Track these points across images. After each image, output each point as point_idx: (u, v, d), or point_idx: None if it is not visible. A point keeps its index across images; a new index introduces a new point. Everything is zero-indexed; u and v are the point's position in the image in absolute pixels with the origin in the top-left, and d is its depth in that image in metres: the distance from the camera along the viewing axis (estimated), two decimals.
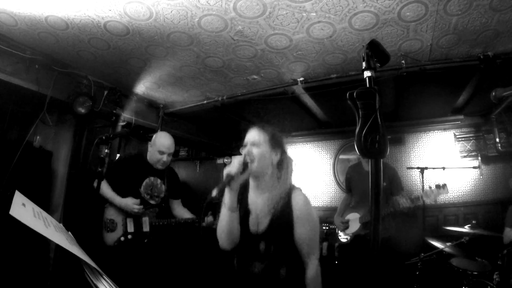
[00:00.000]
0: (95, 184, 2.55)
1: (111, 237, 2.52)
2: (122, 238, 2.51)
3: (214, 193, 1.27)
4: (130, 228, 2.54)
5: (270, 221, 1.45)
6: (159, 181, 2.73)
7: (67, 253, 0.99)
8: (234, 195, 1.41)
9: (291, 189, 1.51)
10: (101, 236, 2.58)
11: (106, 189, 2.58)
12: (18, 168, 2.69)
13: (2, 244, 2.44)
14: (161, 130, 4.04)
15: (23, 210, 1.04)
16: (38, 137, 3.09)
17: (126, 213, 2.56)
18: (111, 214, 2.57)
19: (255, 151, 1.46)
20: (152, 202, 2.68)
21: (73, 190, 3.22)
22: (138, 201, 2.55)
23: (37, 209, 1.16)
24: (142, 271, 2.50)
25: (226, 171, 1.35)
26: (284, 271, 1.44)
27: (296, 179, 1.58)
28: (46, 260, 2.90)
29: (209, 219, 2.57)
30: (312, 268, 1.43)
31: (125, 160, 2.86)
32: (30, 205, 1.13)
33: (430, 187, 2.87)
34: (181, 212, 2.82)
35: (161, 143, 2.66)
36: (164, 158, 2.65)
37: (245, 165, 1.39)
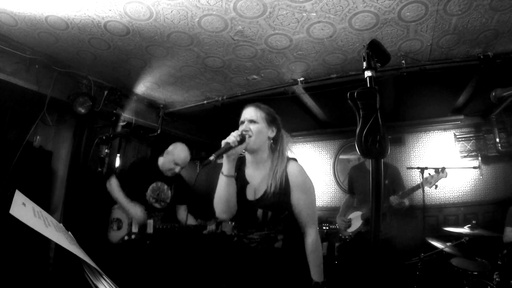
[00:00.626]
0: (108, 184, 2.65)
1: (116, 236, 2.60)
2: (126, 237, 2.56)
3: (212, 157, 1.30)
4: (135, 228, 2.58)
5: (266, 189, 1.52)
6: (166, 186, 2.78)
7: (67, 253, 0.99)
8: (232, 163, 1.47)
9: (287, 161, 1.58)
10: (106, 233, 2.65)
11: (116, 189, 2.63)
12: (18, 168, 2.69)
13: (2, 243, 2.44)
14: (161, 130, 4.05)
15: (23, 209, 1.04)
16: (38, 137, 3.10)
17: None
18: (118, 213, 2.64)
19: (253, 127, 1.53)
20: (157, 206, 2.72)
21: (73, 190, 3.22)
22: (143, 209, 2.57)
23: (37, 208, 1.16)
24: (142, 271, 2.54)
25: (224, 141, 1.40)
26: (281, 242, 1.50)
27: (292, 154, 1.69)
28: (46, 260, 2.90)
29: (211, 227, 2.63)
30: (311, 236, 1.50)
31: (138, 163, 2.92)
32: (30, 204, 1.13)
33: (429, 174, 2.97)
34: (185, 217, 2.85)
35: (178, 155, 2.74)
36: (177, 169, 2.73)
37: (242, 138, 1.45)
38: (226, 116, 4.17)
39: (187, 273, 2.96)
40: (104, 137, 3.35)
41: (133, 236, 2.57)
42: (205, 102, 3.69)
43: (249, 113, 1.59)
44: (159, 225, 2.66)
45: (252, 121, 1.56)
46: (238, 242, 1.58)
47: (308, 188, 1.55)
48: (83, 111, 2.99)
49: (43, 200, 2.95)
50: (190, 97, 3.71)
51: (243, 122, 1.58)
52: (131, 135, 3.99)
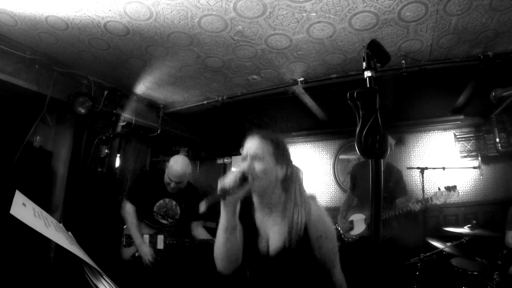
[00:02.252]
0: (123, 211, 2.60)
1: (127, 252, 2.60)
2: (137, 254, 2.53)
3: (202, 209, 1.09)
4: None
5: (285, 244, 1.25)
6: (174, 202, 2.70)
7: (67, 253, 0.99)
8: (231, 212, 1.19)
9: (306, 200, 1.30)
10: (119, 250, 2.64)
11: (130, 215, 2.57)
12: (18, 168, 2.69)
13: (3, 244, 2.44)
14: (161, 130, 4.05)
15: (24, 209, 1.04)
16: (38, 137, 3.10)
17: (144, 230, 2.61)
18: (129, 230, 2.61)
19: (258, 166, 1.23)
20: (164, 222, 2.67)
21: (73, 190, 3.22)
22: (153, 254, 2.51)
23: (38, 208, 1.16)
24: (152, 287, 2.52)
25: (220, 184, 1.13)
26: None
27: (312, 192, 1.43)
28: (46, 260, 2.91)
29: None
30: (338, 272, 1.33)
31: (145, 176, 2.87)
32: (30, 204, 1.13)
33: (439, 189, 2.87)
34: (200, 233, 2.75)
35: (171, 170, 2.54)
36: (172, 185, 2.57)
37: (243, 179, 1.16)
38: (226, 116, 4.18)
39: None
40: (104, 137, 3.35)
41: None
42: (205, 102, 3.69)
43: (253, 148, 1.26)
44: (169, 241, 2.61)
45: (256, 158, 1.24)
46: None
47: (331, 233, 1.30)
48: (83, 111, 2.99)
49: (43, 200, 2.95)
50: (190, 97, 3.71)
51: (245, 158, 1.27)
52: (131, 135, 3.99)
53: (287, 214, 1.26)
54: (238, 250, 1.27)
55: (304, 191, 1.34)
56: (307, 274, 1.28)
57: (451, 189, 2.83)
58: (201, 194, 2.82)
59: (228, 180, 1.13)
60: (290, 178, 1.31)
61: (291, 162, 1.36)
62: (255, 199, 1.35)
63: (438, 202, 2.85)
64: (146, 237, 2.57)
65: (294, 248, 1.22)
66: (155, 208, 2.64)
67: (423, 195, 3.09)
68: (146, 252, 2.49)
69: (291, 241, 1.22)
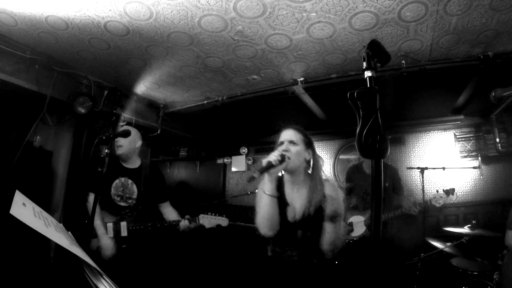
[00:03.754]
0: (87, 203, 2.54)
1: (94, 243, 2.44)
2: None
3: (256, 174, 1.37)
4: (110, 233, 2.46)
5: (305, 212, 1.58)
6: (130, 181, 2.60)
7: (67, 253, 0.99)
8: (274, 182, 1.54)
9: (323, 183, 1.65)
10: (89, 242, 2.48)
11: (89, 202, 2.53)
12: (18, 168, 2.69)
13: (3, 244, 2.44)
14: (161, 130, 4.05)
15: (24, 209, 1.04)
16: (38, 137, 3.10)
17: (108, 217, 2.50)
18: (96, 219, 2.47)
19: (293, 148, 1.61)
20: (123, 204, 2.56)
21: (73, 190, 3.22)
22: (112, 241, 2.41)
23: (38, 208, 1.16)
24: (120, 277, 2.45)
25: (265, 159, 1.47)
26: (316, 259, 1.58)
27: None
28: (46, 260, 2.91)
29: (184, 223, 2.48)
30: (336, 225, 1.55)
31: (104, 160, 2.78)
32: (30, 204, 1.13)
33: (437, 191, 2.94)
34: (171, 215, 2.67)
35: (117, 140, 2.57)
36: (120, 151, 2.59)
37: (283, 158, 1.50)
38: (226, 116, 4.18)
39: (169, 274, 2.85)
40: (104, 137, 3.35)
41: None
42: (205, 102, 3.69)
43: (289, 134, 1.67)
44: (132, 226, 2.51)
45: (292, 142, 1.63)
46: (275, 257, 1.65)
47: (340, 208, 1.61)
48: (83, 111, 2.99)
49: (43, 200, 2.95)
50: (190, 97, 3.71)
51: (282, 143, 1.65)
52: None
53: (309, 190, 1.61)
54: (277, 215, 1.58)
55: (322, 174, 1.70)
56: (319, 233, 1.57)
57: (449, 192, 2.90)
58: (162, 175, 2.84)
59: (273, 157, 1.49)
60: (314, 163, 1.70)
61: (315, 150, 1.74)
62: (286, 177, 1.70)
63: (436, 205, 2.92)
64: (110, 225, 2.46)
65: (312, 216, 1.56)
66: (112, 190, 2.53)
67: (423, 196, 3.10)
68: (107, 244, 2.37)
69: (309, 211, 1.57)
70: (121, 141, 2.61)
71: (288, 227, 1.60)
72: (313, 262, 1.59)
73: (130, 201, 2.59)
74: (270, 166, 1.46)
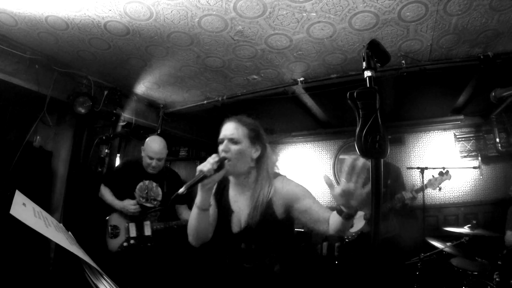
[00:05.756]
0: (100, 194, 2.66)
1: (114, 243, 2.53)
2: (125, 244, 2.49)
3: (182, 189, 1.14)
4: (132, 233, 2.53)
5: (248, 219, 1.36)
6: (154, 184, 2.71)
7: (67, 253, 0.99)
8: (207, 193, 1.29)
9: (272, 182, 1.39)
10: (105, 242, 2.58)
11: (106, 194, 2.66)
12: (18, 168, 2.69)
13: (3, 244, 2.44)
14: (161, 130, 4.05)
15: (24, 209, 1.04)
16: (38, 137, 3.09)
17: (129, 217, 2.57)
18: (114, 220, 2.59)
19: (233, 148, 1.33)
20: (148, 205, 2.65)
21: (73, 190, 3.22)
22: (134, 201, 2.56)
23: (38, 208, 1.16)
24: (147, 276, 2.49)
25: (198, 167, 1.21)
26: (279, 267, 1.36)
27: (285, 172, 1.50)
28: (46, 260, 2.90)
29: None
30: (333, 221, 1.20)
31: (123, 166, 2.88)
32: (30, 204, 1.13)
33: (433, 176, 3.00)
34: (187, 215, 2.75)
35: (150, 148, 2.62)
36: (153, 163, 2.62)
37: (220, 163, 1.25)
38: (226, 116, 4.18)
39: (191, 273, 2.90)
40: (104, 137, 3.35)
41: (131, 242, 2.50)
42: (205, 102, 3.69)
43: (229, 130, 1.38)
44: (156, 226, 2.60)
45: (232, 141, 1.35)
46: (233, 266, 1.43)
47: (303, 194, 1.35)
48: (83, 111, 2.99)
49: (43, 200, 2.95)
50: (190, 97, 3.71)
51: (222, 141, 1.37)
52: (131, 135, 3.99)
53: (252, 195, 1.37)
54: (207, 228, 1.39)
55: (271, 171, 1.43)
56: (268, 244, 1.36)
57: (443, 174, 2.98)
58: (181, 178, 2.94)
59: (206, 164, 1.21)
60: (263, 159, 1.41)
61: (265, 144, 1.44)
62: (231, 179, 1.46)
63: (432, 188, 2.98)
64: (132, 224, 2.54)
65: (257, 225, 1.32)
66: (136, 191, 2.62)
67: (423, 196, 3.10)
68: (125, 204, 2.51)
69: (254, 219, 1.33)
70: (155, 162, 2.65)
71: (231, 239, 1.39)
72: (273, 270, 1.35)
73: (155, 202, 2.68)
74: (203, 177, 1.19)
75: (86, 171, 3.33)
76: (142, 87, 3.47)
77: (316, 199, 1.35)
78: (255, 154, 1.39)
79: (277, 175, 1.46)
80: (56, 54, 2.75)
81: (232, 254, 1.41)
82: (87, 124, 3.42)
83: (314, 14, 2.04)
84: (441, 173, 2.98)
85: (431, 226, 3.96)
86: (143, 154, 2.68)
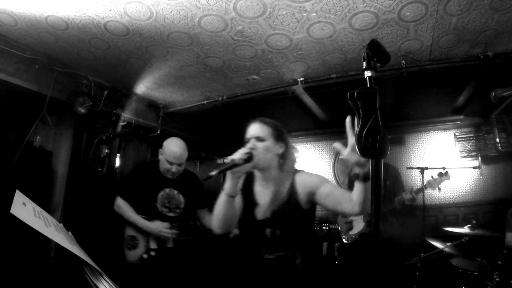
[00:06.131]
0: (116, 207, 2.42)
1: (133, 255, 2.35)
2: (145, 256, 2.29)
3: (213, 172, 1.22)
4: (153, 244, 2.36)
5: (273, 207, 1.50)
6: (175, 192, 2.49)
7: (67, 253, 0.99)
8: (235, 181, 1.40)
9: (294, 175, 1.54)
10: (123, 253, 2.41)
11: (127, 211, 2.38)
12: (18, 168, 2.69)
13: (3, 243, 2.44)
14: (161, 130, 4.05)
15: (24, 209, 1.04)
16: (38, 137, 3.09)
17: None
18: (131, 230, 2.40)
19: (260, 145, 1.48)
20: (171, 215, 2.46)
21: (73, 190, 3.22)
22: (167, 224, 2.36)
23: (38, 208, 1.16)
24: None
25: (230, 157, 1.33)
26: (300, 259, 1.47)
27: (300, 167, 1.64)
28: (46, 260, 2.91)
29: (236, 230, 2.32)
30: (355, 200, 1.29)
31: (138, 173, 2.57)
32: (30, 204, 1.13)
33: (432, 176, 3.01)
34: (209, 220, 2.49)
35: (170, 151, 2.36)
36: (173, 169, 2.37)
37: (249, 157, 1.37)
38: (226, 116, 4.18)
39: (217, 283, 2.70)
40: (104, 137, 3.34)
41: (152, 253, 2.31)
42: (205, 102, 3.69)
43: (255, 130, 1.53)
44: (179, 237, 2.42)
45: (258, 139, 1.49)
46: (256, 258, 1.53)
47: (322, 181, 1.49)
48: (83, 111, 2.99)
49: (43, 200, 2.95)
50: (190, 97, 3.71)
51: (249, 140, 1.51)
52: (131, 135, 3.99)
53: (274, 186, 1.53)
54: (233, 215, 1.48)
55: (293, 166, 1.59)
56: (291, 231, 1.49)
57: (443, 174, 2.98)
58: (201, 181, 2.72)
59: (238, 155, 1.34)
60: (286, 155, 1.55)
61: (288, 142, 1.60)
62: (257, 174, 1.59)
63: (432, 189, 2.98)
64: (153, 236, 2.36)
65: (281, 211, 1.47)
66: (158, 202, 2.41)
67: (423, 196, 3.10)
68: (159, 229, 2.29)
69: (279, 207, 1.48)
70: (175, 167, 2.40)
71: (256, 226, 1.51)
72: (295, 263, 1.46)
73: (178, 210, 2.50)
74: (233, 165, 1.31)
75: (86, 171, 3.33)
76: (142, 87, 3.47)
77: (332, 186, 1.49)
78: (279, 150, 1.54)
79: (297, 170, 1.60)
80: (56, 54, 2.75)
81: (256, 241, 1.52)
82: (87, 124, 3.42)
83: (314, 14, 2.04)
84: (440, 174, 2.98)
85: (431, 226, 3.96)
86: (161, 157, 2.42)
